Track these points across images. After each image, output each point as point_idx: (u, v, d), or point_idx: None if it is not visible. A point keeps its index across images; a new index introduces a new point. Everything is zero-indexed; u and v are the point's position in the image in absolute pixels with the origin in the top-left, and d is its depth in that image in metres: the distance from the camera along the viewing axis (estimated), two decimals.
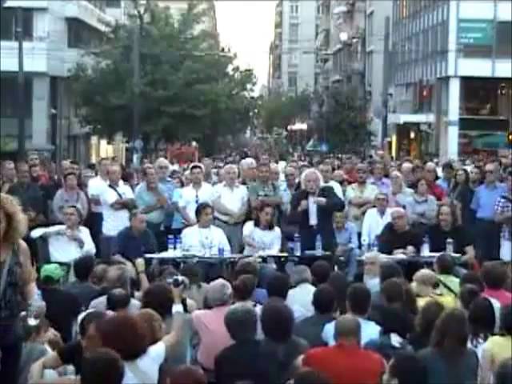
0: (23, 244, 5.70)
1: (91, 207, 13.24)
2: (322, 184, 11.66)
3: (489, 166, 13.69)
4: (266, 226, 11.51)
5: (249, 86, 44.81)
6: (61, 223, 11.68)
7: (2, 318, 5.47)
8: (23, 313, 5.70)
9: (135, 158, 34.67)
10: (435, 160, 25.57)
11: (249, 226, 11.66)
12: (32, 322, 5.73)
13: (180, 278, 6.73)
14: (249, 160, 14.31)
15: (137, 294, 8.20)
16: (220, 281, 7.71)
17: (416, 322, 6.65)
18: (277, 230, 11.64)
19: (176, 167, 18.21)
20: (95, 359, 5.02)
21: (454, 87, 43.29)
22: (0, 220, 5.51)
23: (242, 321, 6.37)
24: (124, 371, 5.09)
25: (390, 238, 11.18)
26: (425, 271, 8.46)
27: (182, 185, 13.81)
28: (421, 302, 7.65)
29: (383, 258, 9.58)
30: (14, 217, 5.55)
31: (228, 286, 7.47)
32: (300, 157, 44.21)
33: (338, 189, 13.05)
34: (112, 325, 5.67)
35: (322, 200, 11.11)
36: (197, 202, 12.25)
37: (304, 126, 76.91)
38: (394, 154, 46.22)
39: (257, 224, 11.56)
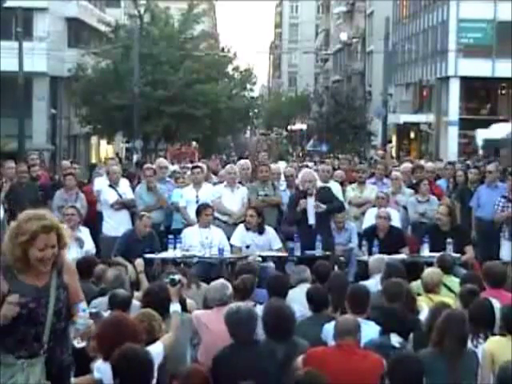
0: (67, 261, 5.15)
1: (97, 206, 13.24)
2: (319, 184, 11.71)
3: (489, 167, 13.69)
4: (255, 228, 11.33)
5: (249, 86, 44.85)
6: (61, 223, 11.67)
7: (48, 348, 4.90)
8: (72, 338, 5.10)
9: (135, 158, 34.67)
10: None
11: (239, 232, 11.42)
12: (78, 344, 5.10)
13: (177, 277, 6.73)
14: (242, 161, 14.25)
15: (136, 294, 8.20)
16: (220, 281, 7.71)
17: (424, 322, 6.67)
18: (268, 231, 11.42)
19: (176, 167, 18.19)
20: (127, 355, 5.03)
21: (454, 87, 43.30)
22: (55, 244, 4.90)
23: (243, 320, 6.36)
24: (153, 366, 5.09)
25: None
26: (428, 276, 8.28)
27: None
28: (420, 302, 7.68)
29: (385, 257, 9.58)
30: (63, 236, 4.99)
31: (228, 286, 7.47)
32: (299, 157, 44.22)
33: (337, 189, 13.08)
34: (108, 325, 5.67)
35: (323, 206, 11.14)
36: (197, 202, 12.25)
37: (304, 126, 76.89)
38: (394, 154, 46.25)
39: (248, 228, 11.38)
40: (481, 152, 25.93)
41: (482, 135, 27.64)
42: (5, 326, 4.81)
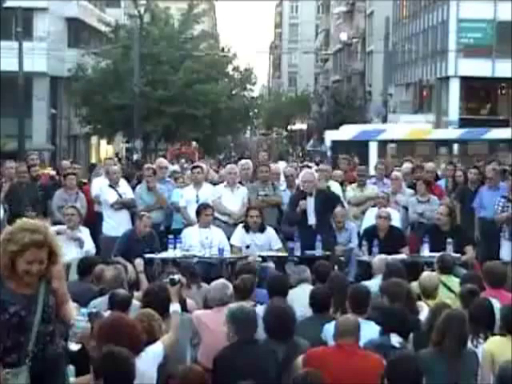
0: (58, 266, 5.03)
1: (95, 206, 13.26)
2: (319, 185, 11.74)
3: (488, 172, 13.63)
4: (255, 228, 11.34)
5: (249, 86, 44.86)
6: (61, 223, 11.68)
7: (35, 353, 4.84)
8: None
9: (135, 157, 34.69)
10: None
11: (239, 232, 11.40)
12: (74, 347, 4.99)
13: (176, 276, 6.73)
14: (243, 161, 14.23)
15: (136, 294, 8.20)
16: (221, 281, 7.73)
17: (424, 322, 6.67)
18: (268, 230, 11.42)
19: (176, 167, 18.20)
20: (108, 357, 5.03)
21: (454, 87, 43.31)
22: (44, 260, 4.82)
23: (244, 320, 6.37)
24: (135, 369, 5.09)
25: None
26: (427, 279, 8.22)
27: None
28: (419, 303, 7.67)
29: (386, 257, 9.58)
30: (56, 252, 4.88)
31: (229, 286, 7.48)
32: (300, 157, 44.20)
33: (337, 189, 13.08)
34: (107, 325, 5.67)
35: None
36: (197, 201, 12.25)
37: (304, 126, 76.89)
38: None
39: (248, 228, 11.38)
40: (329, 153, 26.10)
41: (330, 136, 27.82)
42: None
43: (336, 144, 26.37)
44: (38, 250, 4.76)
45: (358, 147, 25.19)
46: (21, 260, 4.76)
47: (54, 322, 4.98)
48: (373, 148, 25.86)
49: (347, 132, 27.69)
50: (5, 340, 4.80)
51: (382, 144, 26.30)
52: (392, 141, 26.66)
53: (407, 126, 28.53)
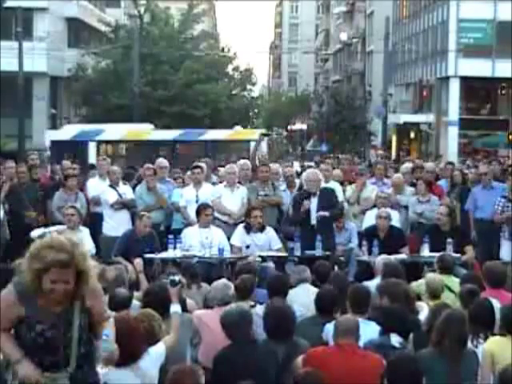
0: (92, 284, 4.71)
1: (91, 207, 13.27)
2: (323, 184, 11.72)
3: (482, 168, 13.62)
4: (257, 228, 11.34)
5: (248, 86, 44.88)
6: (61, 223, 11.69)
7: (72, 375, 4.61)
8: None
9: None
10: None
11: (239, 232, 11.39)
12: (102, 369, 4.79)
13: (177, 277, 6.73)
14: (242, 161, 14.21)
15: (136, 294, 8.20)
16: (223, 281, 7.74)
17: (424, 322, 6.67)
18: (268, 230, 11.42)
19: None
20: None
21: (454, 87, 43.29)
22: (69, 281, 4.55)
23: (237, 321, 6.37)
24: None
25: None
26: (434, 281, 8.20)
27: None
28: (419, 303, 7.67)
29: (388, 258, 9.57)
30: (86, 271, 4.61)
31: (230, 286, 7.49)
32: (300, 157, 44.17)
33: (338, 189, 13.07)
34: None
35: (325, 214, 11.15)
36: (197, 201, 12.25)
37: (304, 126, 76.86)
38: (393, 153, 46.27)
39: (248, 228, 11.38)
40: (49, 152, 25.99)
41: (49, 136, 27.77)
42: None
43: (55, 144, 26.19)
44: (63, 269, 4.51)
45: (78, 147, 25.19)
46: (45, 278, 4.54)
47: (88, 343, 4.72)
48: (92, 148, 25.77)
49: (67, 132, 27.59)
50: (35, 358, 4.59)
51: (101, 144, 26.16)
52: (110, 141, 26.52)
53: (126, 127, 28.60)
